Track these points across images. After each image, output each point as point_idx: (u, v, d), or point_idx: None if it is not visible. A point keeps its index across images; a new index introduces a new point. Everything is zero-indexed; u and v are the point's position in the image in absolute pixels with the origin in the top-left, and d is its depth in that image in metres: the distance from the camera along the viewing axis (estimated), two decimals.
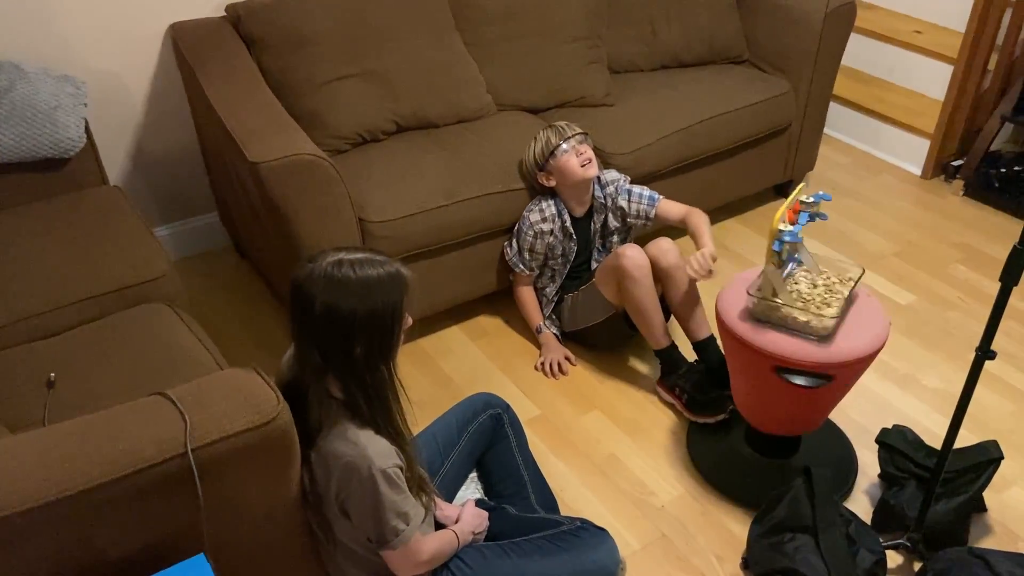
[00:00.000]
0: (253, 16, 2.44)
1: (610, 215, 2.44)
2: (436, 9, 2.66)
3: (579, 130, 2.36)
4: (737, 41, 3.03)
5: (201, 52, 2.40)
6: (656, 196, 2.41)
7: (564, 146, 2.31)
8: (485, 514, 1.76)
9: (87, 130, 2.29)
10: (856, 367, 1.81)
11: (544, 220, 2.40)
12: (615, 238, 2.47)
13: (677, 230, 2.45)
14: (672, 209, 2.39)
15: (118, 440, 1.20)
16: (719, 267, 2.85)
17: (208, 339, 1.87)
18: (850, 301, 1.87)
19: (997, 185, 3.19)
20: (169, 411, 1.26)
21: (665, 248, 2.25)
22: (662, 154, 2.67)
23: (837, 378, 1.80)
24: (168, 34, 2.57)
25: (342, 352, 1.39)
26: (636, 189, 2.42)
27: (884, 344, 1.81)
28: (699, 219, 2.33)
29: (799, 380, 1.79)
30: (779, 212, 1.74)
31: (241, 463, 1.27)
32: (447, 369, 2.47)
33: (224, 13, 2.54)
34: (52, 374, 1.71)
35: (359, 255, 1.42)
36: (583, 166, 2.33)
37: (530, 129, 2.62)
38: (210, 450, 1.23)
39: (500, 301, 2.66)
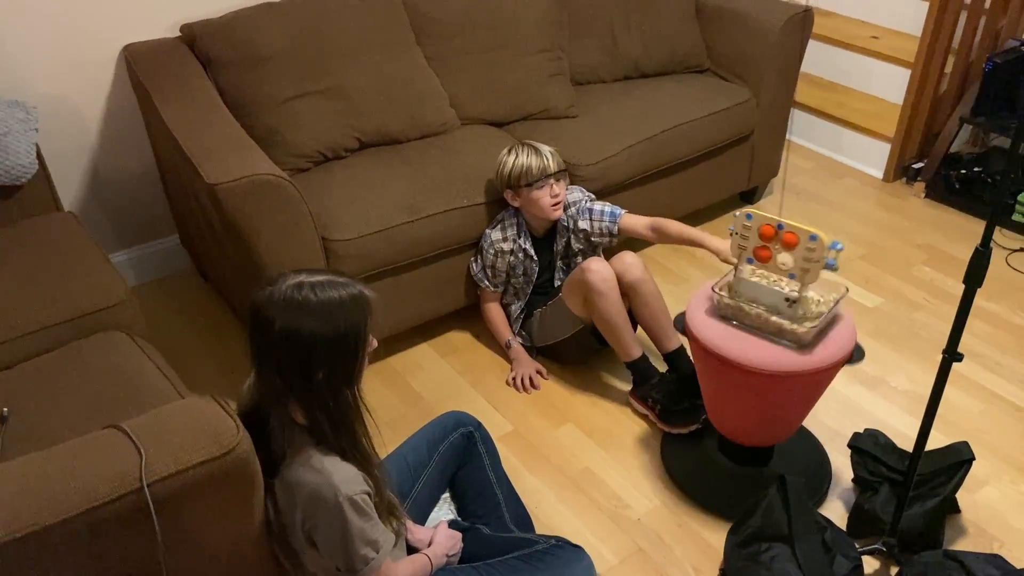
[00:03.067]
0: (209, 35, 2.40)
1: (572, 237, 2.42)
2: (396, 24, 2.64)
3: (560, 166, 2.33)
4: (697, 50, 3.04)
5: (156, 73, 2.35)
6: (618, 211, 2.36)
7: (540, 182, 2.29)
8: (458, 535, 1.73)
9: (39, 156, 2.23)
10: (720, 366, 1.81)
11: (505, 240, 2.39)
12: (579, 258, 2.43)
13: (640, 243, 2.43)
14: (636, 222, 2.35)
15: (70, 477, 1.15)
16: (688, 275, 2.85)
17: (168, 367, 1.82)
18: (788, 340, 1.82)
19: (958, 186, 3.23)
20: (124, 444, 1.21)
21: (629, 262, 2.23)
22: (627, 164, 2.66)
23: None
24: (122, 56, 2.52)
25: (304, 377, 1.35)
26: (597, 207, 2.38)
27: (767, 370, 1.76)
28: (673, 224, 2.28)
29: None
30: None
31: (200, 496, 1.23)
32: (417, 386, 2.44)
33: (179, 33, 2.50)
34: (4, 409, 1.65)
35: (320, 277, 1.38)
36: (552, 206, 2.31)
37: (494, 143, 2.60)
38: (167, 484, 1.19)
39: (469, 316, 2.63)
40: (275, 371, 1.37)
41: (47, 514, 1.12)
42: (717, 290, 1.83)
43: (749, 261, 1.81)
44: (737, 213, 1.80)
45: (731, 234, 1.82)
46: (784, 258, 1.76)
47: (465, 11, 2.71)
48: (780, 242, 1.75)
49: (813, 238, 1.71)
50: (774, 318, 1.78)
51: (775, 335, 1.79)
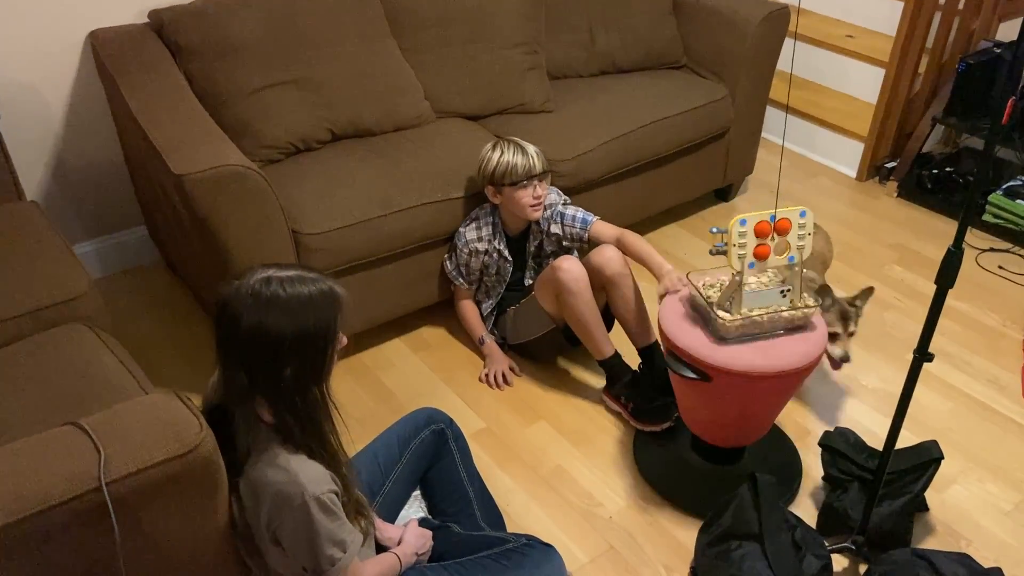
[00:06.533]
0: (177, 22, 2.35)
1: (545, 238, 2.40)
2: (370, 15, 2.60)
3: (545, 166, 2.29)
4: (674, 46, 3.04)
5: (123, 60, 2.30)
6: (590, 218, 2.34)
7: (524, 182, 2.26)
8: (429, 534, 1.71)
9: (1, 144, 2.17)
10: (735, 380, 1.78)
11: (480, 239, 2.36)
12: (551, 259, 2.38)
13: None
14: (606, 231, 2.31)
15: (24, 476, 1.12)
16: None
17: (132, 361, 1.78)
18: (799, 326, 1.85)
19: (929, 186, 3.26)
20: (82, 442, 1.18)
21: (610, 256, 2.21)
22: (603, 160, 2.65)
23: (715, 381, 1.79)
24: (87, 42, 2.46)
25: (270, 374, 1.32)
26: (569, 212, 2.35)
27: (772, 374, 1.77)
28: (636, 240, 2.24)
29: (680, 369, 1.81)
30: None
31: (162, 496, 1.20)
32: (388, 383, 2.41)
33: (147, 20, 2.45)
34: None
35: (290, 272, 1.35)
36: (532, 206, 2.29)
37: (469, 137, 2.58)
38: (127, 483, 1.16)
39: (442, 312, 2.61)
40: (241, 368, 1.33)
41: None
42: (725, 320, 1.78)
43: (751, 266, 1.80)
44: (714, 230, 1.81)
45: (716, 252, 1.79)
46: (781, 245, 1.78)
47: (441, 3, 2.68)
48: (775, 232, 1.76)
49: (803, 214, 1.76)
50: (785, 313, 1.81)
51: (788, 329, 1.83)
